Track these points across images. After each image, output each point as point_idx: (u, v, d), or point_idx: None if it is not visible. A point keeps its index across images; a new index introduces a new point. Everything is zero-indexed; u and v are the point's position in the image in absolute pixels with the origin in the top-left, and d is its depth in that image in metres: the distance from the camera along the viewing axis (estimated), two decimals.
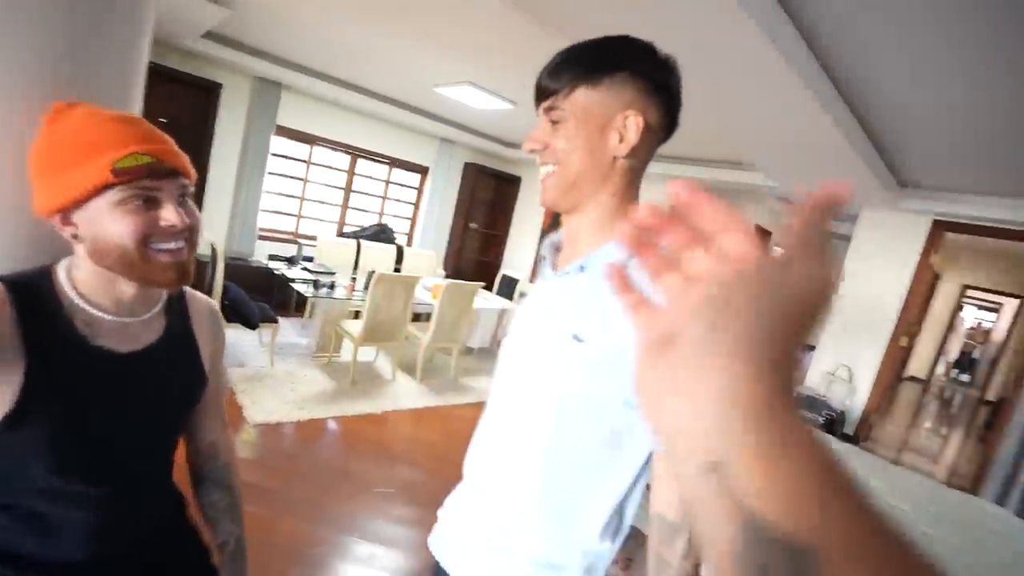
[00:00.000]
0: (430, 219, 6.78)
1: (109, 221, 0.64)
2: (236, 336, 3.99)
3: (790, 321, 0.22)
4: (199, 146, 4.56)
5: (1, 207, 0.74)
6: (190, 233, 0.70)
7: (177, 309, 0.82)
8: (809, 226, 0.23)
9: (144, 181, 0.65)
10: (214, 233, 4.97)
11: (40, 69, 0.73)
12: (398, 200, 6.67)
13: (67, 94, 0.73)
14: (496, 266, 7.43)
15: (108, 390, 0.71)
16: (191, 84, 4.45)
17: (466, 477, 0.83)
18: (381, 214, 6.50)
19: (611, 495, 0.68)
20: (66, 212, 0.64)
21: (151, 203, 0.66)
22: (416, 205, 6.85)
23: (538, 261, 1.13)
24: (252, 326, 3.51)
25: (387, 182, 6.43)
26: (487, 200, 7.31)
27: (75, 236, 0.66)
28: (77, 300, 0.68)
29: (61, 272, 0.69)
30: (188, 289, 0.85)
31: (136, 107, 0.85)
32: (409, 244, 6.87)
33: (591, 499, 0.69)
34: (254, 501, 2.22)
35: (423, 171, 6.69)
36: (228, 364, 3.52)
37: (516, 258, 7.32)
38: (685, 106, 0.74)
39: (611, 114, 0.67)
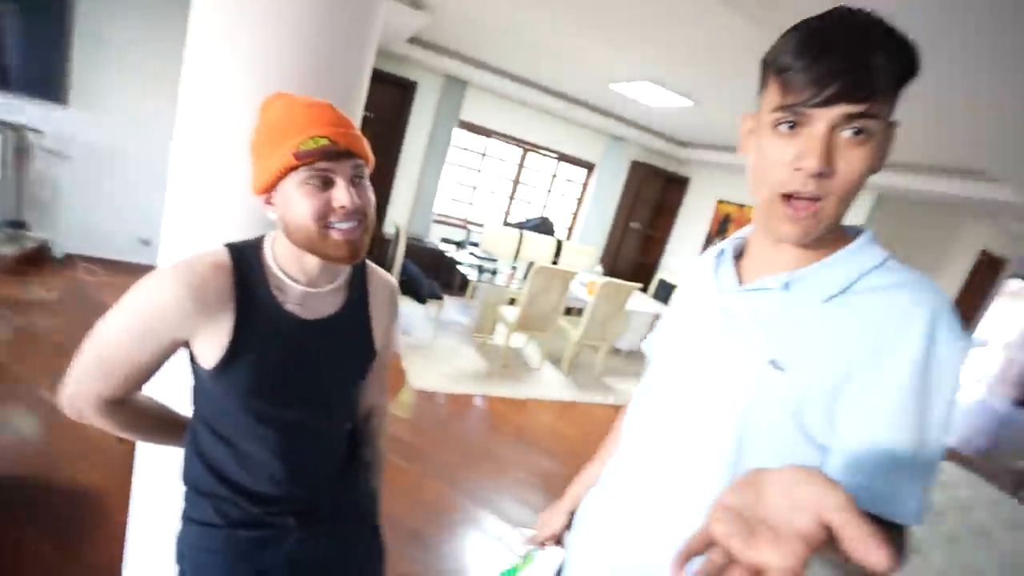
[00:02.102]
0: (592, 215, 6.78)
1: (295, 201, 0.70)
2: (406, 308, 4.45)
3: None
4: (393, 139, 5.15)
5: (241, 187, 0.92)
6: (363, 215, 0.73)
7: (358, 284, 0.86)
8: None
9: (320, 163, 0.68)
10: (399, 215, 5.59)
11: (282, 66, 0.89)
12: (562, 195, 6.79)
13: (306, 90, 0.87)
14: (653, 268, 7.17)
15: (292, 351, 0.78)
16: (393, 83, 5.03)
17: (607, 485, 0.80)
18: (544, 207, 6.68)
19: None
20: (268, 192, 0.73)
21: (327, 183, 0.70)
22: (579, 200, 6.90)
23: (704, 264, 0.77)
24: (421, 300, 3.89)
25: (553, 176, 6.59)
26: (651, 200, 7.06)
27: (275, 214, 0.74)
28: (275, 269, 0.77)
29: (267, 244, 0.79)
30: (371, 265, 0.90)
31: (360, 104, 0.99)
32: (569, 238, 6.95)
33: None
34: (406, 457, 2.47)
35: (589, 167, 6.70)
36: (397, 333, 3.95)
37: (675, 262, 6.97)
38: (909, 102, 0.61)
39: (891, 126, 0.55)
